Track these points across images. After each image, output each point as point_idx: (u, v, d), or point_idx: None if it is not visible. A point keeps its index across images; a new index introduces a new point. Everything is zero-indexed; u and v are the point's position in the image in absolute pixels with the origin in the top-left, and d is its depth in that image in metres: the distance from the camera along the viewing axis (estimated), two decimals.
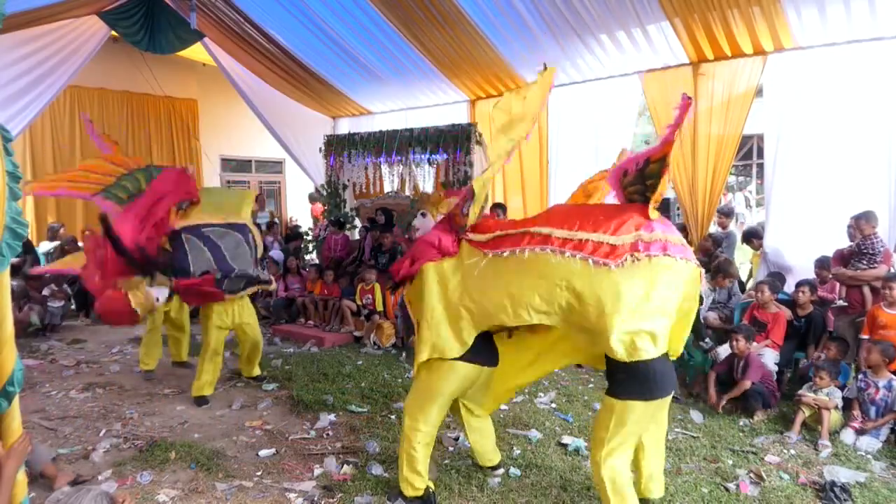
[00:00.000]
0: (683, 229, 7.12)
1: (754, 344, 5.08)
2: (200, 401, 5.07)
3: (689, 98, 2.69)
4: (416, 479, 3.34)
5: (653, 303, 2.68)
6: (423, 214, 4.02)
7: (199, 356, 5.21)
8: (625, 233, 2.75)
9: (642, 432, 3.08)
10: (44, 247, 8.99)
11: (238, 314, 5.30)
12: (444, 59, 8.18)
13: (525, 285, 2.91)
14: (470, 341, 3.18)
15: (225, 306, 5.17)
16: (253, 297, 8.46)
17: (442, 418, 3.43)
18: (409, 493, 3.35)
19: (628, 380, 2.78)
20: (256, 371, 5.74)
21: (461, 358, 3.22)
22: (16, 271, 7.29)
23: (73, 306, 8.55)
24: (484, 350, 3.31)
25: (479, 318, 3.13)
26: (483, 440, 3.77)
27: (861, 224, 5.23)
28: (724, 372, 5.07)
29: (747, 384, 4.78)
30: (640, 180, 2.88)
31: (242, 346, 5.57)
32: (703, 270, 3.05)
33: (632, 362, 2.70)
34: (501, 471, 3.79)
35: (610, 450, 2.83)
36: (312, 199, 12.24)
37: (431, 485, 3.43)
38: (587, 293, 2.73)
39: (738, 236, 7.72)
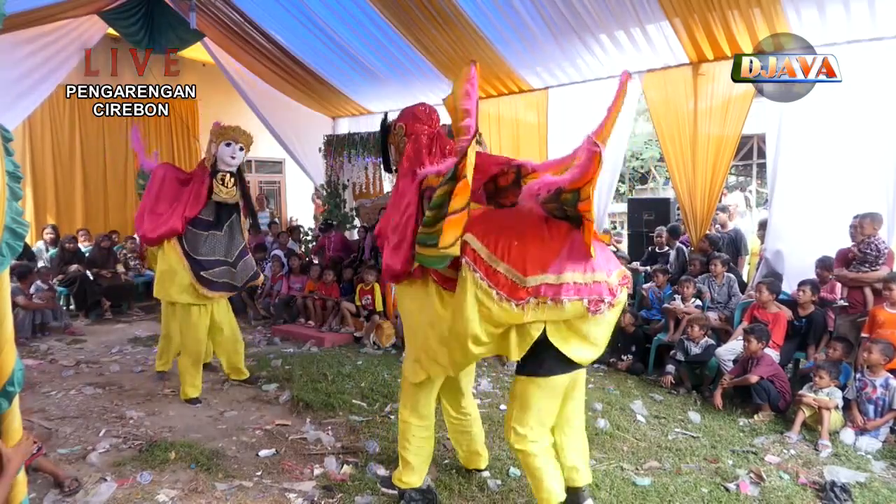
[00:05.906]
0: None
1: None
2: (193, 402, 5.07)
3: (628, 74, 2.57)
4: (405, 473, 3.37)
5: None
6: None
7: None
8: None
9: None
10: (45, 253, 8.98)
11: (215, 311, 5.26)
12: (444, 59, 8.17)
13: None
14: None
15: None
16: (252, 296, 8.55)
17: (429, 409, 3.41)
18: (398, 483, 3.40)
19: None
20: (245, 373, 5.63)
21: None
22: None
23: (72, 306, 8.56)
24: None
25: None
26: (461, 438, 3.66)
27: (864, 223, 5.20)
28: (739, 375, 5.00)
29: (753, 378, 4.78)
30: (555, 200, 2.74)
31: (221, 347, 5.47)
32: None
33: None
34: (487, 473, 3.71)
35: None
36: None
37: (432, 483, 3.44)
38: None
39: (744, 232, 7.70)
